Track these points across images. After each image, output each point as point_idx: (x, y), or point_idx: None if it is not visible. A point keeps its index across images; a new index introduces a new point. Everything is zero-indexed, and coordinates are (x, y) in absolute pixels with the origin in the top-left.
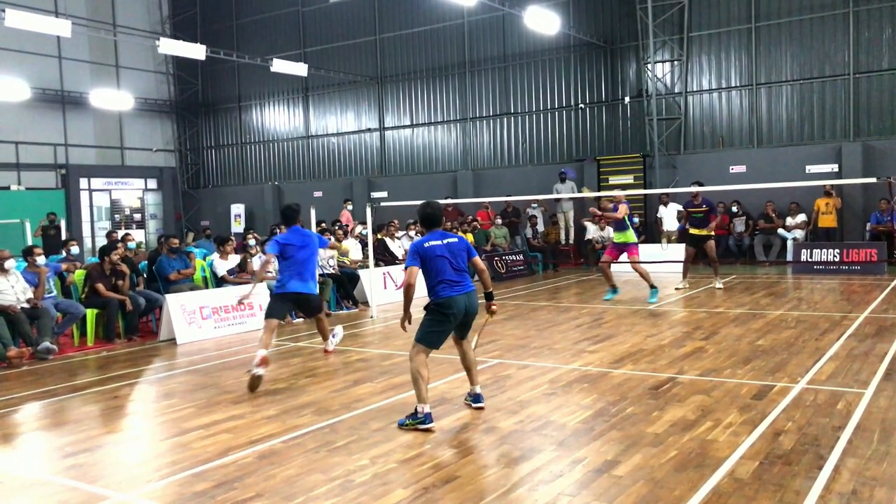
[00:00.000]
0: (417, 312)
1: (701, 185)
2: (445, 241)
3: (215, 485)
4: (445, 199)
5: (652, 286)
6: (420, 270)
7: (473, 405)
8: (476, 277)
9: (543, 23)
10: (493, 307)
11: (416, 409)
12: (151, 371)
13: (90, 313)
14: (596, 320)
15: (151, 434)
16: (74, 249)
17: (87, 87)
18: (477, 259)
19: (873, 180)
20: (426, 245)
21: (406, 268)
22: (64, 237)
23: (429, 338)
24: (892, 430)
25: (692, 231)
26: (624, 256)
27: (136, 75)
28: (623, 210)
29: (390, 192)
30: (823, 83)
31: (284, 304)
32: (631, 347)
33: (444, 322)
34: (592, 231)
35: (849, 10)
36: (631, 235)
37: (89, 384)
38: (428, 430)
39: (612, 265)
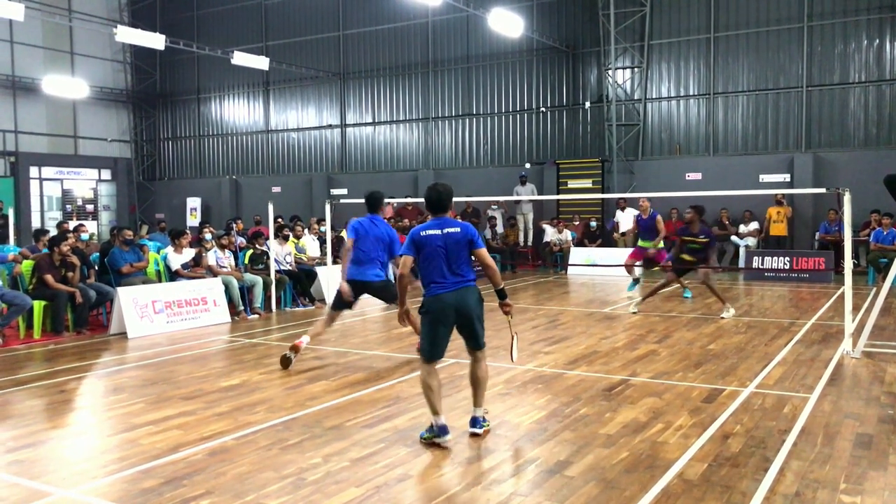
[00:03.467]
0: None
1: (700, 210)
2: (445, 231)
3: (164, 482)
4: (406, 197)
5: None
6: (415, 260)
7: (470, 428)
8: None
9: (507, 25)
10: (507, 307)
11: (430, 424)
12: (100, 365)
13: (38, 305)
14: (552, 322)
15: (98, 429)
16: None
17: (39, 73)
18: (482, 252)
19: (823, 191)
20: (422, 234)
21: (401, 256)
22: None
23: (424, 345)
24: (836, 433)
25: (686, 258)
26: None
27: (92, 63)
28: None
29: (350, 189)
30: (777, 95)
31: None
32: (585, 349)
33: (434, 325)
34: (550, 234)
35: (803, 25)
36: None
37: (35, 378)
38: (445, 446)
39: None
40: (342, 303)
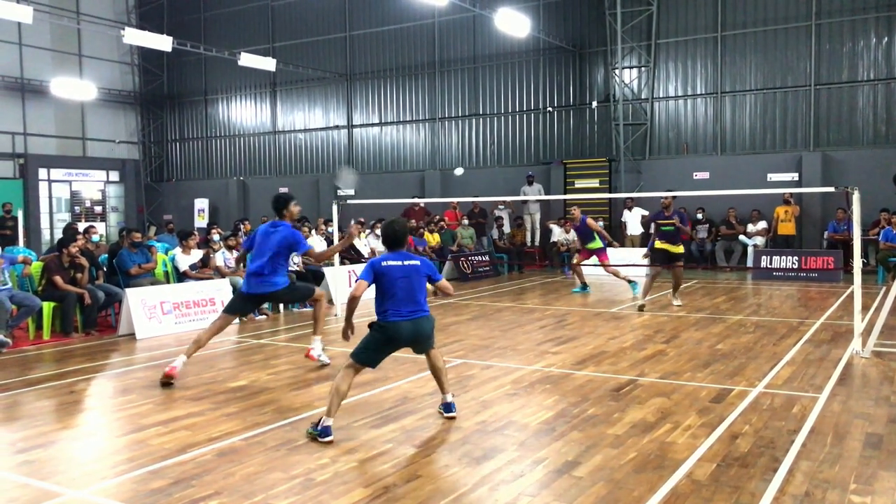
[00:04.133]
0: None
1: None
2: (406, 263)
3: (172, 482)
4: (413, 198)
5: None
6: (371, 286)
7: (445, 414)
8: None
9: (514, 25)
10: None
11: (319, 419)
12: (109, 366)
13: (47, 306)
14: (559, 322)
15: (108, 430)
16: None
17: (48, 75)
18: (442, 283)
19: (831, 190)
20: (383, 264)
21: (357, 280)
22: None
23: (364, 356)
24: (845, 433)
25: (662, 246)
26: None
27: (100, 65)
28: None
29: (357, 190)
30: (785, 93)
31: None
32: (593, 349)
33: (385, 345)
34: (558, 234)
35: (811, 23)
36: (598, 242)
37: (44, 378)
38: (327, 443)
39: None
40: (237, 307)
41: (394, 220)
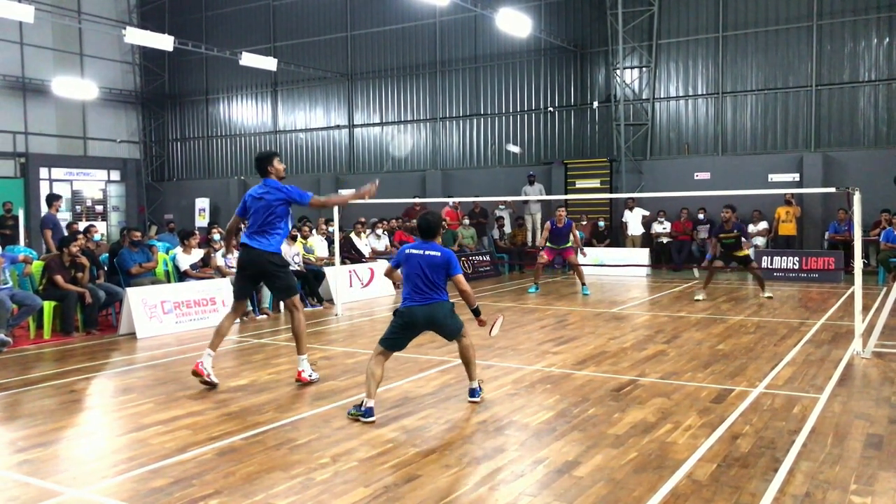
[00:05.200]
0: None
1: (733, 208)
2: (427, 253)
3: (173, 481)
4: (414, 197)
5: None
6: (397, 270)
7: (469, 399)
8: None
9: (515, 25)
10: (480, 323)
11: (361, 402)
12: (110, 365)
13: (48, 305)
14: (560, 322)
15: (108, 429)
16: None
17: (49, 74)
18: (458, 278)
19: (832, 190)
20: (407, 251)
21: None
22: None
23: (388, 341)
24: (846, 434)
25: (730, 253)
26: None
27: (101, 64)
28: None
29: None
30: (787, 94)
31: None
32: (594, 349)
33: (403, 329)
34: None
35: (812, 24)
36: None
37: (45, 378)
38: (370, 423)
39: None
40: (238, 290)
41: (428, 211)
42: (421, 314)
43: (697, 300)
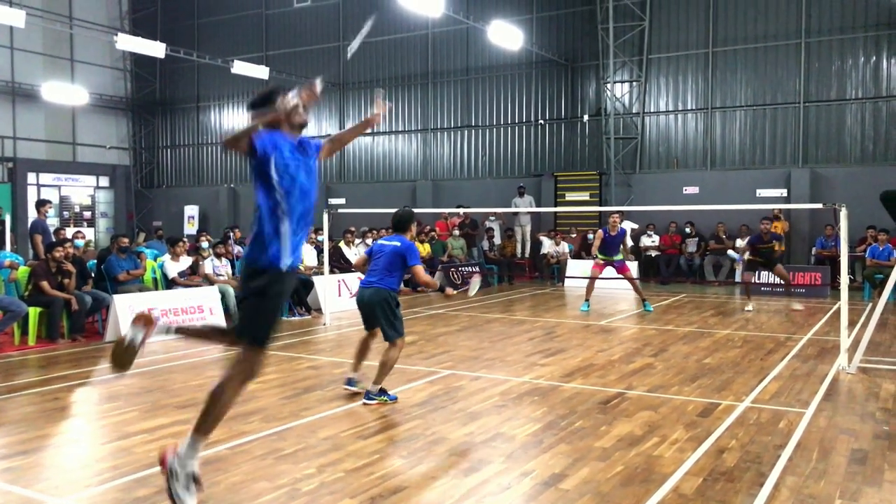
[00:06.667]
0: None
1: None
2: (390, 244)
3: (157, 491)
4: (403, 208)
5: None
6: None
7: (364, 399)
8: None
9: (507, 38)
10: (447, 295)
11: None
12: (95, 373)
13: (33, 312)
14: (548, 334)
15: (92, 437)
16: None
17: (39, 79)
18: (415, 268)
19: (819, 206)
20: (377, 242)
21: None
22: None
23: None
24: (831, 448)
25: (758, 260)
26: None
27: (92, 70)
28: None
29: (348, 199)
30: (775, 110)
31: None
32: (582, 362)
33: (360, 309)
34: (548, 246)
35: (801, 41)
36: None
37: (29, 385)
38: (352, 392)
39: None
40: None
41: (403, 207)
42: (360, 295)
43: (748, 310)
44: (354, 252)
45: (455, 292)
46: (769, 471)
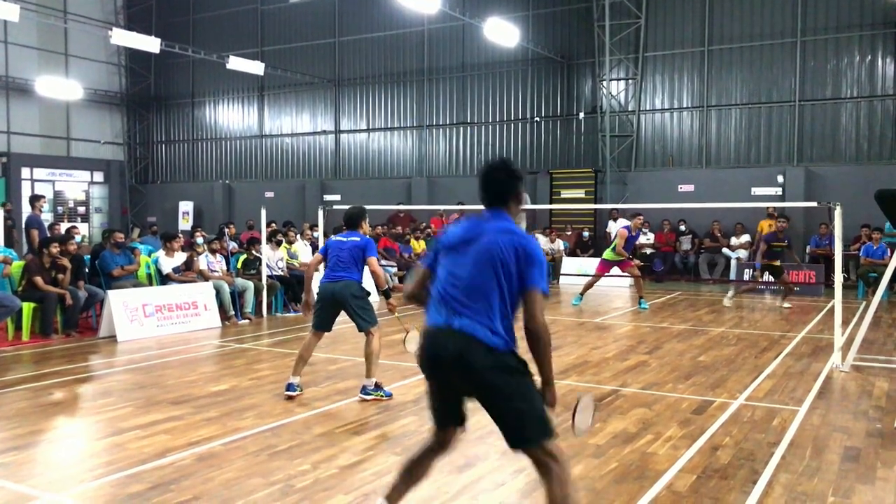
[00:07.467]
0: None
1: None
2: (348, 240)
3: (151, 486)
4: (398, 204)
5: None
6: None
7: (360, 395)
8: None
9: (503, 35)
10: (390, 306)
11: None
12: (89, 368)
13: (27, 307)
14: None
15: (86, 433)
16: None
17: (33, 74)
18: (371, 260)
19: (814, 205)
20: (332, 238)
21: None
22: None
23: (314, 321)
24: (824, 446)
25: (769, 263)
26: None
27: (87, 65)
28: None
29: (344, 195)
30: (770, 108)
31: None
32: (576, 359)
33: (322, 306)
34: (543, 243)
35: (797, 40)
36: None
37: (22, 380)
38: (290, 398)
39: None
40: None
41: (352, 206)
42: (330, 290)
43: (727, 305)
44: None
45: (396, 306)
46: (763, 468)
